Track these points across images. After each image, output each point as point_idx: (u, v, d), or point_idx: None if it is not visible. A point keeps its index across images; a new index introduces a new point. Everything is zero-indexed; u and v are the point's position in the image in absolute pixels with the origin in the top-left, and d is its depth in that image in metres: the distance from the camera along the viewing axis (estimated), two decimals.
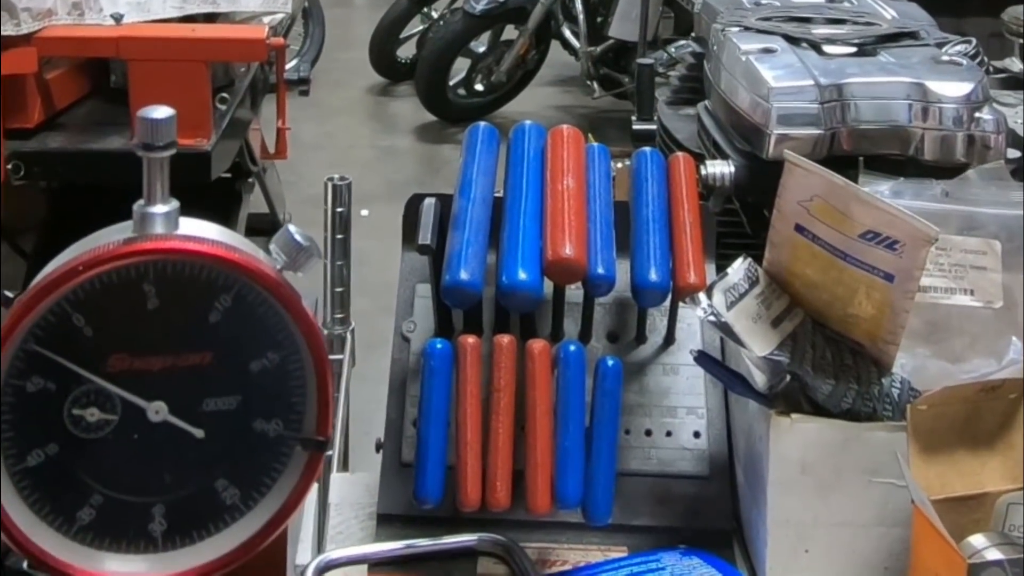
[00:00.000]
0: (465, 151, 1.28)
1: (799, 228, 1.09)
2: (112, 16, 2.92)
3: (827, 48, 1.48)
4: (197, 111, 2.88)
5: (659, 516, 1.17)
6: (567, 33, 5.92)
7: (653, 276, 1.15)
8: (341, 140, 5.71)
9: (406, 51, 6.52)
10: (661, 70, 3.51)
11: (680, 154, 1.27)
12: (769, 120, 1.36)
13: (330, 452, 0.70)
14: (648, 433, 1.20)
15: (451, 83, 5.97)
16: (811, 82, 1.37)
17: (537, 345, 1.11)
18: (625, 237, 1.21)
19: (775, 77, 1.39)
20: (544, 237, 1.15)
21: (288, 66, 3.56)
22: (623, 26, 5.59)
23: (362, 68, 6.50)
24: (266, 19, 3.34)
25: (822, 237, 1.07)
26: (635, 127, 2.69)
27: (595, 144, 1.29)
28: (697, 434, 1.20)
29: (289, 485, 0.69)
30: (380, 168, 5.38)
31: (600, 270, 1.15)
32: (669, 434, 1.20)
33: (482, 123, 1.32)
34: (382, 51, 6.46)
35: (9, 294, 1.21)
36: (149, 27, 2.89)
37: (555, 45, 6.06)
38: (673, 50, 5.14)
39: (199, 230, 0.67)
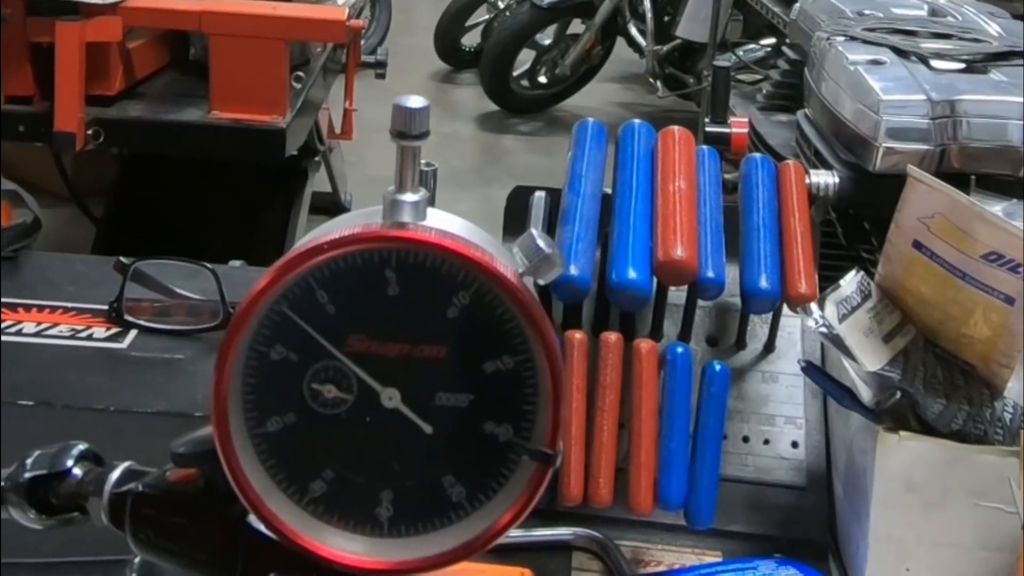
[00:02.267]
0: (574, 146, 1.27)
1: (917, 244, 1.08)
2: None
3: (935, 63, 1.47)
4: (274, 88, 2.90)
5: (754, 523, 1.16)
6: (633, 30, 5.89)
7: (763, 283, 1.14)
8: None
9: (471, 39, 6.52)
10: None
11: (791, 162, 1.26)
12: (877, 133, 1.35)
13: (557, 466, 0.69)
14: (745, 440, 1.19)
15: (515, 74, 5.96)
16: (922, 96, 1.36)
17: (645, 345, 1.10)
18: (733, 242, 1.20)
19: (885, 89, 1.38)
20: (655, 237, 1.15)
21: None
22: (691, 26, 5.56)
23: (425, 54, 6.50)
24: (340, 0, 3.35)
25: (941, 255, 1.06)
26: (708, 129, 2.68)
27: (705, 147, 1.28)
28: (795, 444, 1.19)
29: (514, 494, 0.69)
30: (441, 155, 5.38)
31: (710, 273, 1.14)
32: (767, 442, 1.19)
33: (590, 119, 1.31)
34: (447, 38, 6.45)
35: (125, 260, 1.23)
36: (231, 3, 2.91)
37: (620, 42, 6.04)
38: (742, 53, 5.16)
39: (445, 223, 0.66)
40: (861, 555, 1.09)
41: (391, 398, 0.67)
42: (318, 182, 3.97)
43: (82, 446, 0.80)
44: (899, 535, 1.07)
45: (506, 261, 0.67)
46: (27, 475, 0.78)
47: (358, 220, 0.66)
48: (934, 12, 1.75)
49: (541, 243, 0.67)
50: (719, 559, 1.14)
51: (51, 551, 0.91)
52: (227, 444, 0.67)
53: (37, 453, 0.80)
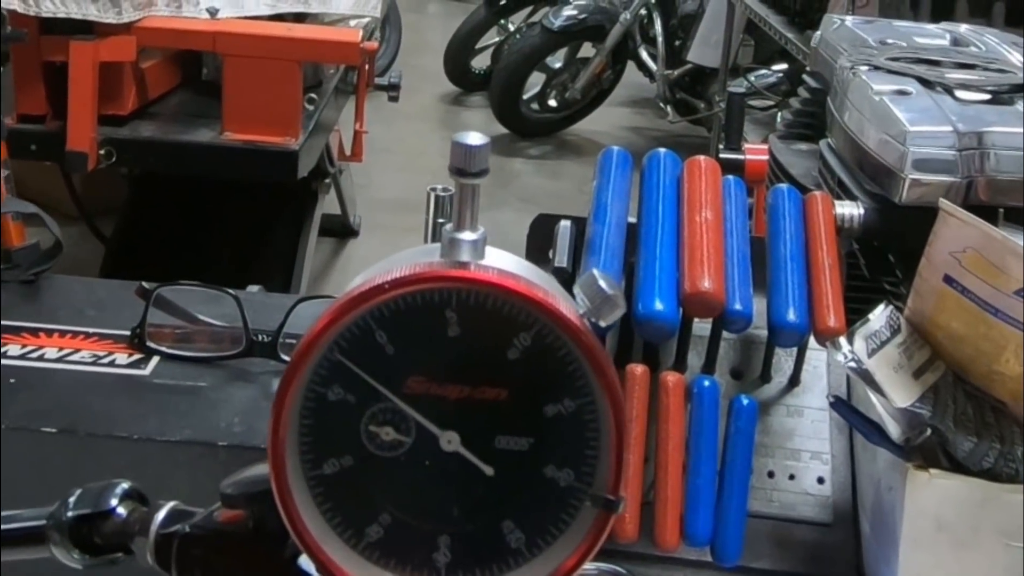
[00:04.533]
0: (599, 174, 1.26)
1: (948, 279, 1.06)
2: (208, 10, 2.94)
3: (961, 93, 1.46)
4: (287, 110, 2.91)
5: (779, 560, 1.14)
6: (644, 55, 5.90)
7: (791, 316, 1.13)
8: (412, 146, 5.72)
9: (480, 62, 6.54)
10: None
11: (818, 193, 1.25)
12: (904, 164, 1.34)
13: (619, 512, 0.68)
14: (771, 475, 1.18)
15: (525, 97, 5.97)
16: (949, 128, 1.35)
17: (672, 378, 1.09)
18: (760, 273, 1.19)
19: (911, 120, 1.37)
20: (681, 268, 1.14)
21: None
22: (702, 51, 5.57)
23: (435, 75, 6.52)
24: (353, 22, 3.36)
25: (972, 290, 1.05)
26: (722, 155, 2.68)
27: (731, 177, 1.27)
28: (821, 480, 1.18)
29: (575, 540, 0.68)
30: (450, 178, 5.37)
31: (738, 306, 1.13)
32: (792, 477, 1.18)
33: (616, 147, 1.30)
34: (457, 60, 6.47)
35: (147, 285, 1.22)
36: (245, 23, 2.91)
37: (631, 66, 6.04)
38: (754, 78, 5.16)
39: (504, 261, 0.65)
40: None
41: (450, 441, 0.66)
42: (327, 204, 3.97)
43: (126, 484, 0.80)
44: (928, 574, 1.05)
45: (567, 301, 0.66)
46: (70, 514, 0.78)
47: (416, 258, 0.65)
48: (956, 41, 1.74)
49: (603, 284, 0.66)
50: None
51: None
52: (284, 487, 0.66)
53: (80, 491, 0.79)
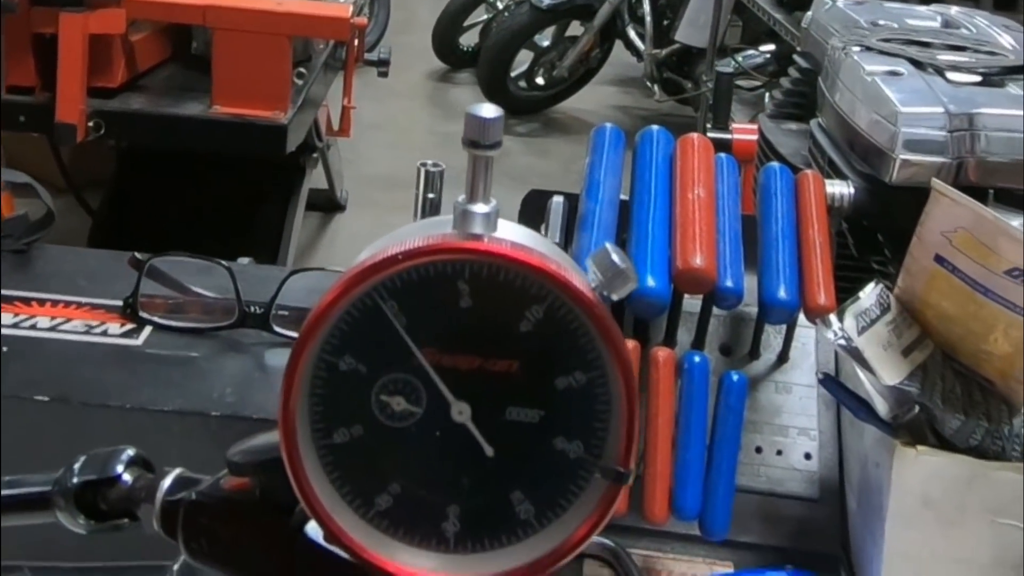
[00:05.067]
0: (592, 152, 1.27)
1: (939, 259, 1.07)
2: None
3: (952, 75, 1.46)
4: (276, 84, 2.90)
5: (766, 535, 1.15)
6: (632, 34, 5.90)
7: (782, 294, 1.14)
8: (400, 123, 5.71)
9: (469, 39, 6.52)
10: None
11: (809, 172, 1.26)
12: (895, 144, 1.35)
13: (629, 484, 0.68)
14: (758, 450, 1.19)
15: (512, 75, 5.96)
16: (940, 109, 1.35)
17: (662, 353, 1.09)
18: (751, 251, 1.20)
19: (903, 101, 1.37)
20: (673, 245, 1.14)
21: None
22: (690, 31, 5.57)
23: (423, 52, 6.50)
24: None
25: (963, 270, 1.05)
26: (709, 135, 2.68)
27: (723, 155, 1.27)
28: (808, 456, 1.19)
29: (584, 512, 0.68)
30: (438, 154, 5.30)
31: (729, 283, 1.13)
32: (780, 453, 1.19)
33: (608, 124, 1.30)
34: (445, 37, 6.45)
35: (140, 256, 1.22)
36: None
37: (618, 45, 6.04)
38: (741, 59, 5.16)
39: (516, 235, 0.66)
40: (875, 569, 1.08)
41: (462, 412, 0.66)
42: (314, 179, 3.96)
43: (131, 451, 0.80)
44: (914, 551, 1.06)
45: (579, 274, 0.66)
46: (76, 479, 0.78)
47: (428, 230, 0.66)
48: (948, 23, 1.75)
49: (615, 258, 0.66)
50: (731, 570, 1.13)
51: (90, 555, 0.90)
52: (294, 456, 0.66)
53: (85, 457, 0.79)
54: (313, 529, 0.71)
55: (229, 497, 0.75)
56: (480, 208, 0.65)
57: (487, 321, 0.65)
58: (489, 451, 0.67)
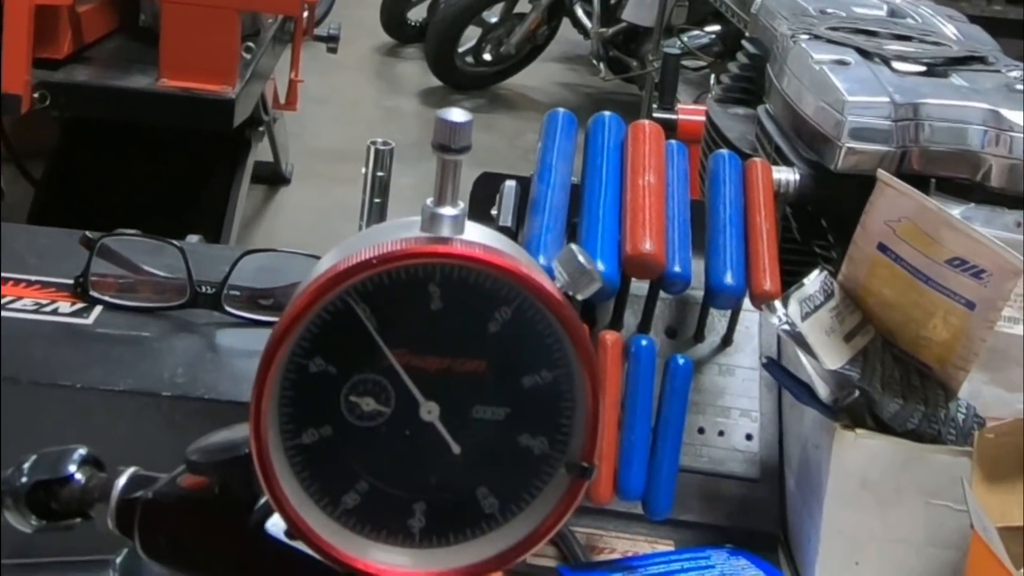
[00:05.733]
0: (544, 136, 1.28)
1: (882, 247, 1.09)
2: None
3: (897, 65, 1.49)
4: (225, 58, 2.89)
5: (706, 514, 1.18)
6: (579, 12, 5.92)
7: (729, 279, 1.16)
8: (346, 96, 5.70)
9: (417, 14, 6.52)
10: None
11: (758, 160, 1.28)
12: (841, 132, 1.37)
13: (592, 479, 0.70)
14: (701, 431, 1.21)
15: (460, 50, 5.96)
16: (886, 98, 1.38)
17: (610, 336, 1.11)
18: (698, 235, 1.22)
19: (849, 90, 1.40)
20: (623, 230, 1.16)
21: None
22: (637, 10, 5.59)
23: (371, 27, 6.48)
24: None
25: (905, 258, 1.08)
26: (655, 115, 2.70)
27: (673, 142, 1.29)
28: (749, 436, 1.21)
29: (548, 506, 0.70)
30: (384, 129, 5.36)
31: (677, 268, 1.15)
32: (721, 434, 1.21)
33: (561, 109, 1.32)
34: (393, 12, 6.45)
35: (91, 235, 1.22)
36: None
37: (565, 23, 6.05)
38: (687, 39, 5.19)
39: (484, 237, 0.67)
40: (812, 548, 1.11)
41: (430, 412, 0.68)
42: (260, 151, 3.95)
43: (83, 450, 0.80)
44: (851, 530, 1.09)
45: (546, 275, 0.68)
46: (26, 479, 0.78)
47: (397, 233, 0.67)
48: (893, 13, 1.77)
49: (581, 259, 0.68)
50: (672, 548, 1.15)
51: (32, 552, 0.90)
52: (264, 456, 0.67)
53: (35, 457, 0.79)
54: (273, 526, 0.72)
55: (187, 495, 0.75)
56: (449, 211, 0.67)
57: (457, 322, 0.67)
58: (456, 449, 0.68)
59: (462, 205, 0.67)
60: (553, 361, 0.68)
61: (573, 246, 0.69)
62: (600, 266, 1.12)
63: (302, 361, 0.67)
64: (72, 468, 0.79)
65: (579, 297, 0.68)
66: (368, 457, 0.69)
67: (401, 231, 0.67)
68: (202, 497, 0.75)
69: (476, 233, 0.67)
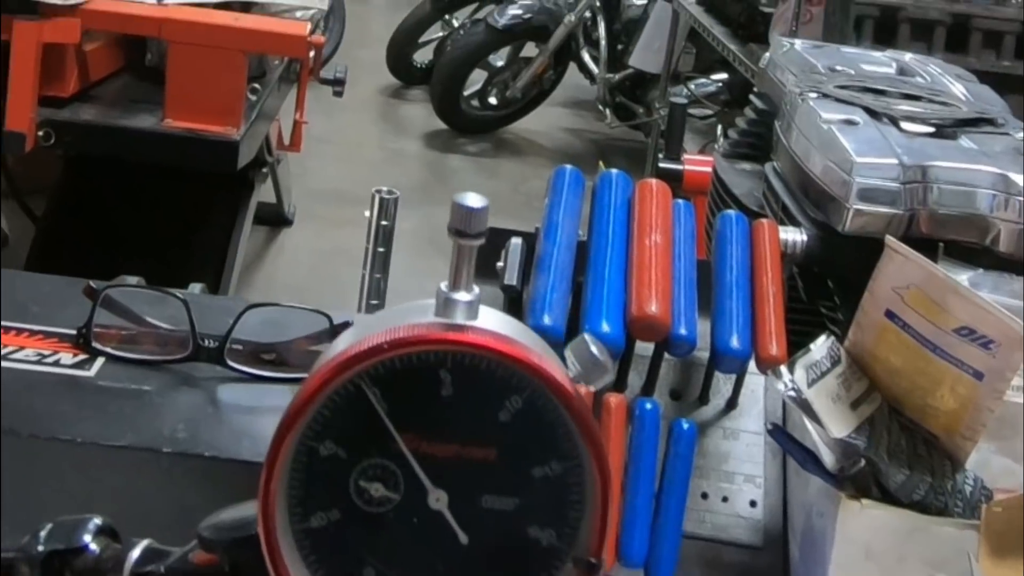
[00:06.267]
0: (551, 192, 1.28)
1: (890, 314, 1.08)
2: None
3: (906, 125, 1.48)
4: (230, 100, 2.89)
5: None
6: (586, 57, 5.94)
7: (735, 343, 1.15)
8: (350, 137, 5.70)
9: (423, 56, 6.53)
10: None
11: (765, 220, 1.27)
12: (849, 194, 1.36)
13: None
14: (704, 496, 1.20)
15: (465, 93, 5.97)
16: (895, 160, 1.37)
17: (614, 399, 1.10)
18: (704, 295, 1.21)
19: (857, 150, 1.39)
20: (629, 291, 1.15)
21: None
22: (644, 57, 5.60)
23: (376, 67, 6.50)
24: (299, 13, 3.34)
25: (913, 326, 1.07)
26: (661, 165, 2.70)
27: (681, 201, 1.28)
28: (753, 503, 1.20)
29: None
30: (387, 171, 5.38)
31: (683, 331, 1.14)
32: (725, 499, 1.20)
33: (568, 166, 1.31)
34: (399, 54, 6.46)
35: (95, 285, 1.21)
36: (192, 11, 2.89)
37: (572, 68, 6.07)
38: (694, 87, 5.20)
39: (498, 324, 0.66)
40: None
41: (439, 499, 0.67)
42: (262, 192, 3.95)
43: (99, 520, 0.80)
44: None
45: (558, 365, 0.67)
46: (42, 548, 0.78)
47: (410, 317, 0.66)
48: (903, 71, 1.77)
49: (594, 350, 0.67)
50: None
51: None
52: (272, 539, 0.67)
53: (51, 526, 0.79)
54: None
55: (198, 572, 0.75)
56: (463, 296, 0.66)
57: (467, 409, 0.66)
58: (464, 539, 0.67)
59: (476, 291, 0.66)
60: (563, 452, 0.67)
61: (586, 336, 0.68)
62: (605, 327, 1.11)
63: (313, 444, 0.66)
64: (87, 538, 0.78)
65: (592, 388, 0.67)
66: (376, 544, 0.68)
67: (415, 315, 0.66)
68: (213, 574, 0.74)
69: (490, 319, 0.67)
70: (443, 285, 0.66)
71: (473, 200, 0.65)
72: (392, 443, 0.66)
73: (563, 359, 0.69)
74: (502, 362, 0.65)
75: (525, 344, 0.65)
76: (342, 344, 0.66)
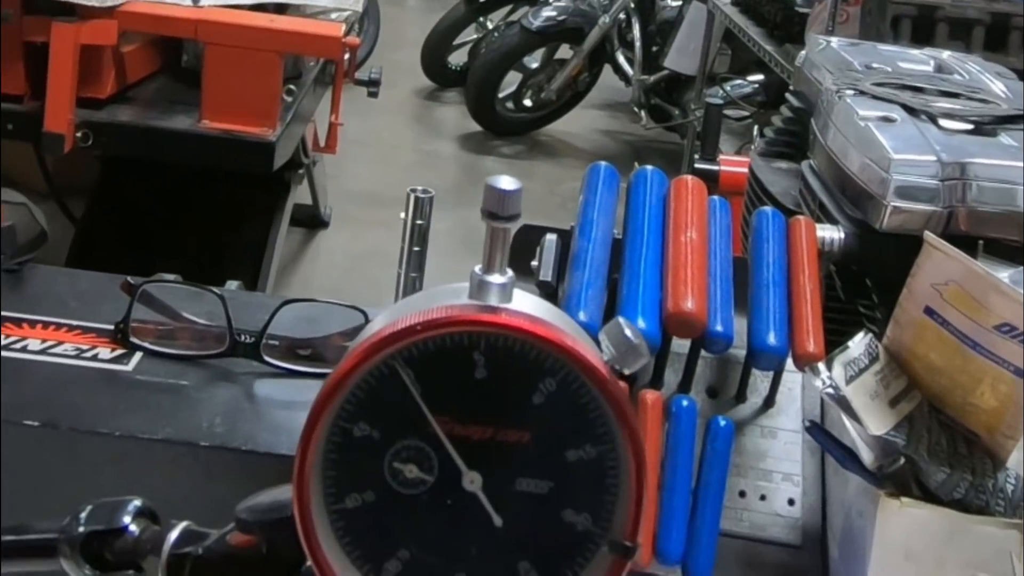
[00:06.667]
0: (586, 189, 1.27)
1: (929, 311, 1.07)
2: None
3: (944, 123, 1.47)
4: (266, 101, 2.90)
5: None
6: (621, 59, 5.92)
7: (772, 340, 1.14)
8: (385, 139, 5.71)
9: (458, 58, 6.54)
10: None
11: (802, 217, 1.26)
12: (886, 191, 1.35)
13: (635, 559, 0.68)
14: (742, 495, 1.19)
15: (500, 95, 5.97)
16: (933, 157, 1.36)
17: (651, 396, 1.10)
18: (740, 293, 1.20)
19: (895, 148, 1.38)
20: (665, 287, 1.15)
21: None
22: (679, 58, 5.59)
23: (411, 69, 6.51)
24: (334, 15, 3.35)
25: (953, 323, 1.06)
26: (697, 166, 2.69)
27: (716, 197, 1.28)
28: (792, 501, 1.19)
29: None
30: (422, 172, 5.38)
31: (719, 327, 1.14)
32: (763, 498, 1.19)
33: (603, 163, 1.31)
34: (434, 55, 6.47)
35: (132, 281, 1.22)
36: (228, 12, 2.90)
37: (607, 69, 6.06)
38: (729, 88, 5.18)
39: (531, 307, 0.66)
40: None
41: (473, 481, 0.67)
42: (298, 194, 3.96)
43: (138, 502, 0.81)
44: None
45: (592, 348, 0.66)
46: (83, 529, 0.79)
47: (444, 299, 0.66)
48: (940, 68, 1.75)
49: (628, 333, 0.67)
50: None
51: None
52: (307, 520, 0.67)
53: (91, 507, 0.80)
54: None
55: (235, 553, 0.76)
56: (497, 279, 0.66)
57: (501, 392, 0.66)
58: (498, 521, 0.67)
59: (510, 273, 0.66)
60: (598, 436, 0.67)
61: (620, 319, 0.67)
62: (641, 323, 1.11)
63: (346, 425, 0.66)
64: (127, 519, 0.79)
65: (626, 371, 0.67)
66: (410, 525, 0.68)
67: (448, 297, 0.66)
68: (250, 556, 0.75)
69: (524, 302, 0.66)
70: (477, 268, 0.66)
71: (506, 183, 0.65)
72: (426, 425, 0.66)
73: (597, 344, 0.69)
74: (535, 344, 0.65)
75: (559, 327, 0.65)
76: (376, 326, 0.66)
